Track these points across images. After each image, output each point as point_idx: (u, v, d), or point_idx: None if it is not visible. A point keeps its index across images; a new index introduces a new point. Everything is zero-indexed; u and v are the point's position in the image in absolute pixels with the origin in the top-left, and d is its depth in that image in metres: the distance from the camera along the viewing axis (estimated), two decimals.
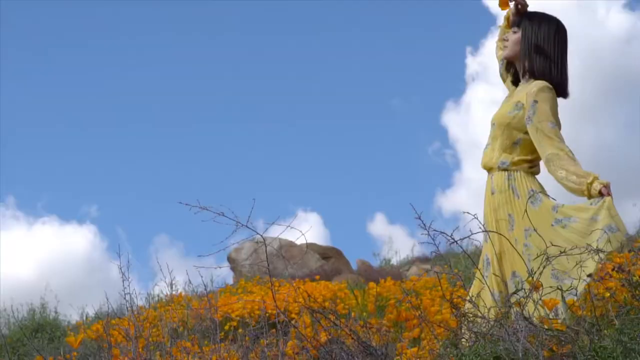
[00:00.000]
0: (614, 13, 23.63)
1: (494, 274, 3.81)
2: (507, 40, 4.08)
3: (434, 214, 18.90)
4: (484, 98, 22.51)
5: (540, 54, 3.98)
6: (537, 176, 3.96)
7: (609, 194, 3.65)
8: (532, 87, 3.90)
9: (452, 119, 24.55)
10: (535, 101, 3.86)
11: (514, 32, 4.07)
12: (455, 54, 23.82)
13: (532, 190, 3.83)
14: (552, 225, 3.72)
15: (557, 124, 3.85)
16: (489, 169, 3.99)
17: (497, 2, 4.10)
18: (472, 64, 22.93)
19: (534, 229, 3.66)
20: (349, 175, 21.70)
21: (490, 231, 3.83)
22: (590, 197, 3.69)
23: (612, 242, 3.50)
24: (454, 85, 23.74)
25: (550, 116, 3.84)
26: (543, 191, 3.85)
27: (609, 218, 3.58)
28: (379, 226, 24.59)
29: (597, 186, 3.66)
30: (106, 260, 21.62)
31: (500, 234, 3.81)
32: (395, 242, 23.63)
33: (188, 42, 22.92)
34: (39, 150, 21.37)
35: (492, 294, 3.69)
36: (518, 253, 3.72)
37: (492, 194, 3.92)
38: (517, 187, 3.86)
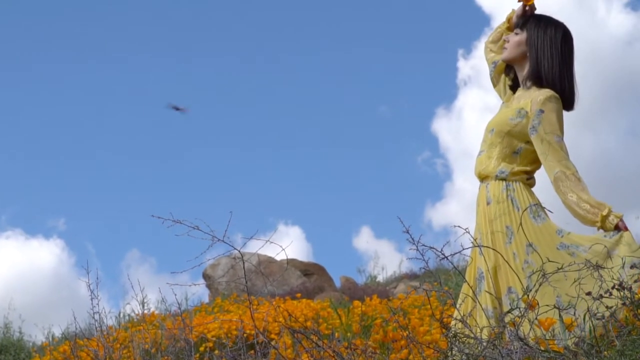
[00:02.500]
0: (615, 13, 23.69)
1: (487, 290, 3.78)
2: (508, 42, 4.06)
3: (424, 228, 18.91)
4: (476, 104, 22.54)
5: (548, 59, 3.96)
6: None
7: (626, 229, 3.64)
8: (538, 95, 3.88)
9: (442, 127, 24.55)
10: (542, 110, 3.84)
11: (516, 34, 4.05)
12: (446, 57, 23.81)
13: (534, 205, 3.81)
14: (558, 248, 3.70)
15: (563, 137, 3.83)
16: (484, 178, 3.96)
17: None
18: (464, 67, 22.93)
19: (530, 245, 3.64)
20: (334, 187, 21.66)
21: (484, 246, 3.80)
22: (603, 229, 3.67)
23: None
24: (445, 91, 23.73)
25: (557, 129, 3.82)
26: (541, 206, 3.83)
27: (629, 254, 3.56)
28: (365, 240, 24.56)
29: (613, 220, 3.65)
30: (74, 277, 21.51)
31: (494, 249, 3.78)
32: (382, 257, 23.58)
33: (161, 55, 22.91)
34: (2, 161, 21.28)
35: (486, 311, 3.67)
36: (512, 269, 3.70)
37: (488, 204, 3.89)
38: (516, 199, 3.83)
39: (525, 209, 3.78)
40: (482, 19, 21.68)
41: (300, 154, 21.98)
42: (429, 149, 23.63)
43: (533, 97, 3.89)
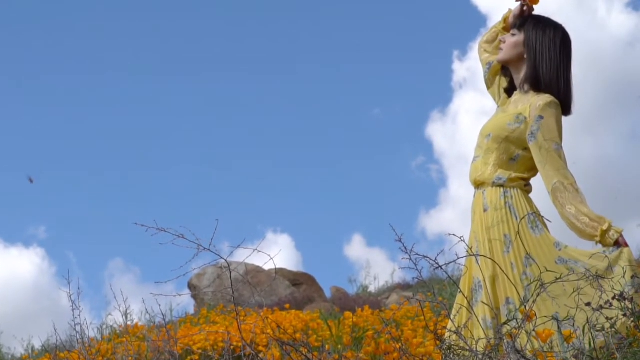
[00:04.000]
0: (616, 13, 23.72)
1: (482, 301, 3.77)
2: (504, 42, 4.05)
3: (417, 236, 18.90)
4: (472, 107, 22.53)
5: (546, 62, 3.95)
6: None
7: (626, 244, 3.65)
8: (537, 101, 3.86)
9: (437, 131, 24.52)
10: (541, 117, 3.83)
11: (513, 35, 4.04)
12: (441, 59, 23.84)
13: (532, 214, 3.80)
14: (556, 262, 3.69)
15: (561, 144, 3.83)
16: (480, 184, 3.95)
17: None
18: (460, 69, 22.95)
19: (529, 257, 3.64)
20: (324, 193, 21.65)
21: (481, 255, 3.78)
22: (602, 244, 3.67)
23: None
24: (440, 94, 23.78)
25: (556, 136, 3.82)
26: (539, 215, 3.81)
27: (629, 270, 3.57)
28: (357, 249, 24.53)
29: (614, 235, 3.65)
30: (55, 287, 21.44)
31: (491, 259, 3.77)
32: (374, 266, 23.59)
33: (150, 64, 22.90)
34: None
35: (484, 321, 3.66)
36: (509, 279, 3.69)
37: (485, 211, 3.87)
38: (514, 206, 3.82)
39: (523, 218, 3.77)
40: (479, 19, 21.68)
41: (289, 159, 21.99)
42: (423, 154, 23.65)
43: (532, 103, 3.87)
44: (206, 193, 21.06)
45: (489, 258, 3.77)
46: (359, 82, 23.01)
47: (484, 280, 3.78)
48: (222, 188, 21.16)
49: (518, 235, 3.73)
